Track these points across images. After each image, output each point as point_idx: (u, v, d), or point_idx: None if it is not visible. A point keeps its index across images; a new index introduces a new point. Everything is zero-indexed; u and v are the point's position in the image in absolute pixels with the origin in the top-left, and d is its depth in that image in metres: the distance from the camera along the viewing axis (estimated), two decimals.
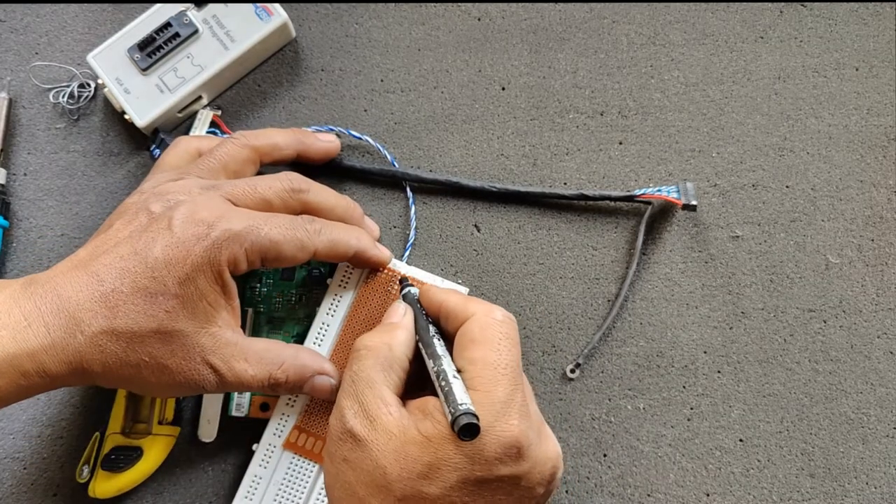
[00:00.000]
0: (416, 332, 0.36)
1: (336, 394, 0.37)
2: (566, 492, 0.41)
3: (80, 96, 0.45)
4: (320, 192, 0.39)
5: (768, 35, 0.47)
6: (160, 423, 0.39)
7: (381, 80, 0.46)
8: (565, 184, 0.45)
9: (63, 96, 0.45)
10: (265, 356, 0.36)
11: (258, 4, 0.44)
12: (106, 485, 0.38)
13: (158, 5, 0.44)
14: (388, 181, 0.45)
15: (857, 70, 0.46)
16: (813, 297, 0.43)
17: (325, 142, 0.42)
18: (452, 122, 0.46)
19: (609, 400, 0.42)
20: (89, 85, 0.45)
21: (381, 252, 0.40)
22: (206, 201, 0.35)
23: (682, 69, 0.46)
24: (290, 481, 0.39)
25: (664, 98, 0.46)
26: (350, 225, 0.40)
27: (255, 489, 0.39)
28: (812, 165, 0.45)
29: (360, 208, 0.41)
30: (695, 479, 0.41)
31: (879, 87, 0.46)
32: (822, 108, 0.46)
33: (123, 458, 0.38)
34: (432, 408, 0.32)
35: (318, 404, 0.39)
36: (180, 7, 0.43)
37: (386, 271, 0.41)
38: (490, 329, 0.33)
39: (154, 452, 0.39)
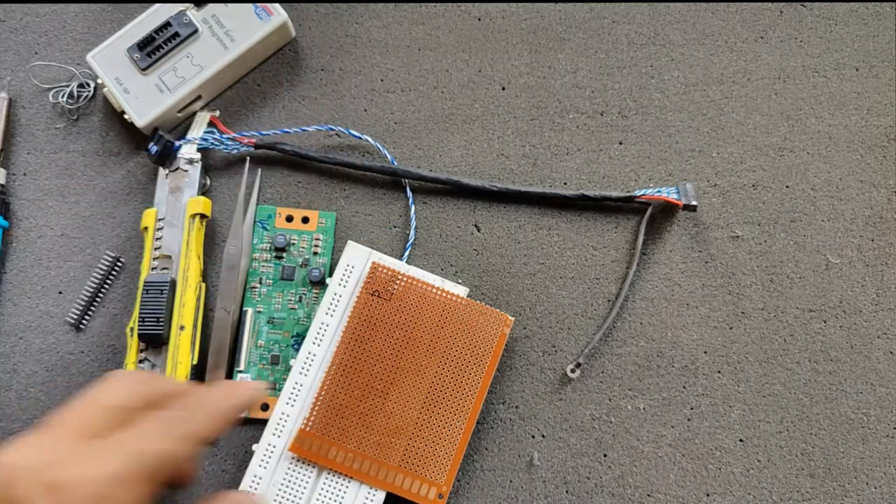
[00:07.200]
0: None
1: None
2: (566, 492, 0.41)
3: (79, 96, 0.45)
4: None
5: (768, 35, 0.47)
6: None
7: (381, 80, 0.46)
8: (565, 184, 0.45)
9: (63, 96, 0.45)
10: None
11: (258, 4, 0.44)
12: None
13: (158, 5, 0.43)
14: (388, 181, 0.45)
15: (857, 70, 0.46)
16: (813, 297, 0.43)
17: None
18: (452, 122, 0.46)
19: (609, 400, 0.42)
20: (89, 85, 0.45)
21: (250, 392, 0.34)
22: None
23: (682, 69, 0.46)
24: (290, 481, 0.39)
25: (664, 98, 0.46)
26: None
27: (255, 489, 0.39)
28: (812, 165, 0.45)
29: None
30: (695, 479, 0.41)
31: (879, 87, 0.46)
32: (822, 108, 0.46)
33: None
34: None
35: (320, 406, 0.39)
36: (180, 7, 0.43)
37: (386, 270, 0.41)
38: None
39: None
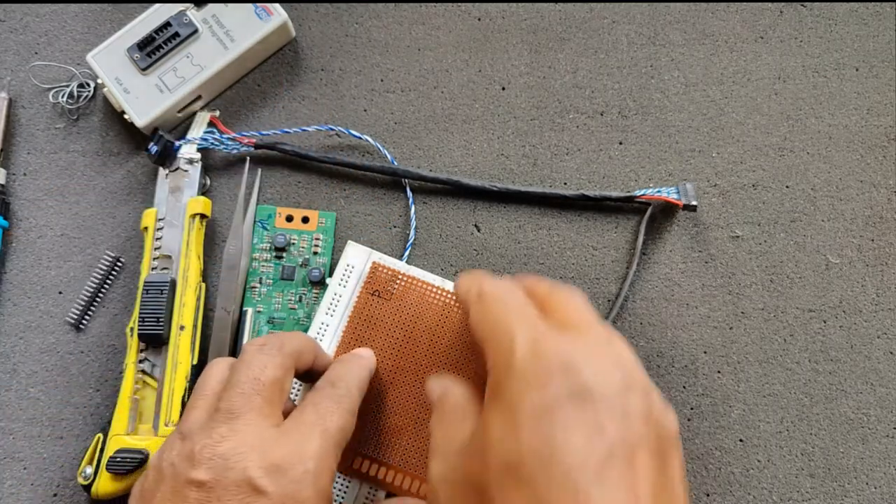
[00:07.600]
0: None
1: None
2: None
3: (79, 96, 0.45)
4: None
5: (768, 35, 0.47)
6: (166, 424, 0.39)
7: (381, 80, 0.46)
8: (565, 184, 0.45)
9: (63, 96, 0.45)
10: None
11: (258, 4, 0.44)
12: (110, 486, 0.38)
13: (158, 5, 0.43)
14: (388, 181, 0.45)
15: (857, 70, 0.46)
16: (813, 297, 0.43)
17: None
18: (452, 122, 0.46)
19: None
20: (89, 85, 0.45)
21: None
22: None
23: (682, 69, 0.46)
24: None
25: (664, 98, 0.46)
26: (344, 360, 0.37)
27: None
28: (812, 165, 0.45)
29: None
30: (695, 479, 0.41)
31: (879, 87, 0.46)
32: (822, 108, 0.46)
33: (130, 461, 0.38)
34: None
35: None
36: (180, 7, 0.43)
37: (387, 270, 0.41)
38: None
39: None
